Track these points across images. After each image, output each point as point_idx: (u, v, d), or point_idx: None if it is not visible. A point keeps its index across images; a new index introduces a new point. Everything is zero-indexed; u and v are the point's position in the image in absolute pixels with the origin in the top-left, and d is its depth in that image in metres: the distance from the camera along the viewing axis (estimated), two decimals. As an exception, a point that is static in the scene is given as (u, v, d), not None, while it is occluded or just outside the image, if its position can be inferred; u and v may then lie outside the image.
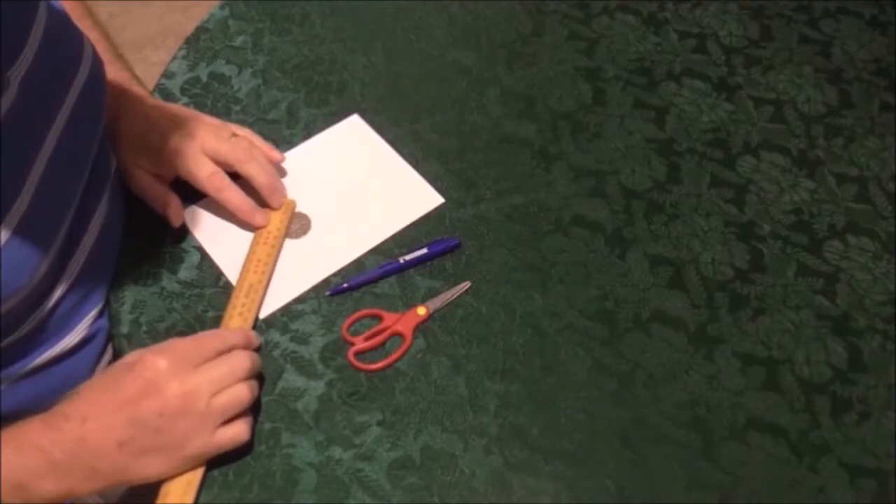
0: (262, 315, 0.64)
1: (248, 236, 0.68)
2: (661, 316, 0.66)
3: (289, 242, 0.68)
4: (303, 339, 0.63)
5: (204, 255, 0.67)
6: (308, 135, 0.75)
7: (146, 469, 0.53)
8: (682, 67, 0.82)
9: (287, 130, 0.75)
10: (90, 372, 0.66)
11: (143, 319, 0.64)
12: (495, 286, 0.67)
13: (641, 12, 0.87)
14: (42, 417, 0.52)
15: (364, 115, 0.77)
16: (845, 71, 0.83)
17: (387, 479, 0.57)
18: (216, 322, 0.64)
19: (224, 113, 0.76)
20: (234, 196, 0.67)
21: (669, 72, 0.82)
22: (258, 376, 0.59)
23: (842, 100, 0.81)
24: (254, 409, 0.57)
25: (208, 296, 0.65)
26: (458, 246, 0.68)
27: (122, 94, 0.68)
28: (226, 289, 0.65)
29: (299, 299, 0.65)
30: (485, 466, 0.58)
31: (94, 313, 0.64)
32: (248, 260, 0.66)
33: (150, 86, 0.77)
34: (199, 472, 0.55)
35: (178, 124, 0.66)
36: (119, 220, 0.68)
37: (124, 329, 0.63)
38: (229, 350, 0.57)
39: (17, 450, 0.51)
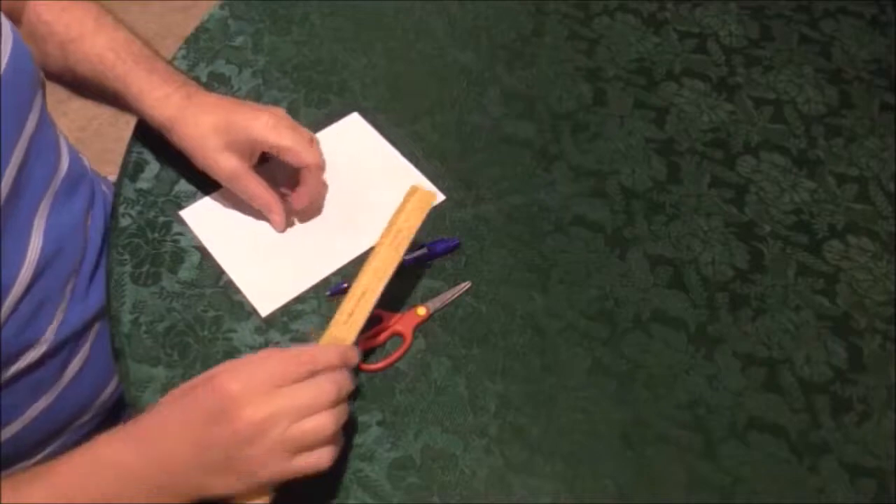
0: (263, 315, 0.64)
1: (248, 236, 0.68)
2: (662, 316, 0.66)
3: (289, 242, 0.68)
4: (303, 339, 0.63)
5: (204, 255, 0.67)
6: (308, 135, 0.75)
7: (220, 488, 0.51)
8: (682, 67, 0.83)
9: (287, 130, 0.75)
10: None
11: (142, 319, 0.64)
12: (495, 286, 0.67)
13: (641, 12, 0.87)
14: (118, 436, 0.52)
15: (364, 115, 0.77)
16: (845, 71, 0.83)
17: (387, 479, 0.57)
18: (216, 322, 0.64)
19: (224, 113, 0.76)
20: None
21: (669, 72, 0.82)
22: (352, 396, 0.55)
23: (842, 100, 0.81)
24: (344, 430, 0.53)
25: (208, 296, 0.65)
26: (458, 246, 0.68)
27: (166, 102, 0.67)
28: (226, 288, 0.65)
29: (299, 299, 0.65)
30: (485, 466, 0.58)
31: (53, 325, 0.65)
32: (371, 259, 0.60)
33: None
34: (269, 498, 0.52)
35: (239, 109, 0.66)
36: (82, 244, 0.69)
37: (124, 329, 0.63)
38: (322, 370, 0.52)
39: (93, 469, 0.50)
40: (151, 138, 0.74)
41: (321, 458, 0.51)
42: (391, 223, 0.61)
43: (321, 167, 0.67)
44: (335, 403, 0.51)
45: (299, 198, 0.68)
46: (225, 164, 0.65)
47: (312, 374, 0.51)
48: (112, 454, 0.51)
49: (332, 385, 0.51)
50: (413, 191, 0.63)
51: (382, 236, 0.61)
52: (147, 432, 0.51)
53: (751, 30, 0.86)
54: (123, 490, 0.50)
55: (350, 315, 0.57)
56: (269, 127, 0.65)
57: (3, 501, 0.50)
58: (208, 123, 0.65)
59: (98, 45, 0.68)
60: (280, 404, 0.49)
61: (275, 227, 0.68)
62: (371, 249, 0.60)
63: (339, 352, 0.54)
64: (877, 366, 0.64)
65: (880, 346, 0.65)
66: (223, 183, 0.67)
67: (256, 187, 0.67)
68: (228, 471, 0.50)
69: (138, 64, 0.68)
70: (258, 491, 0.51)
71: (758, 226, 0.71)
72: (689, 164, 0.75)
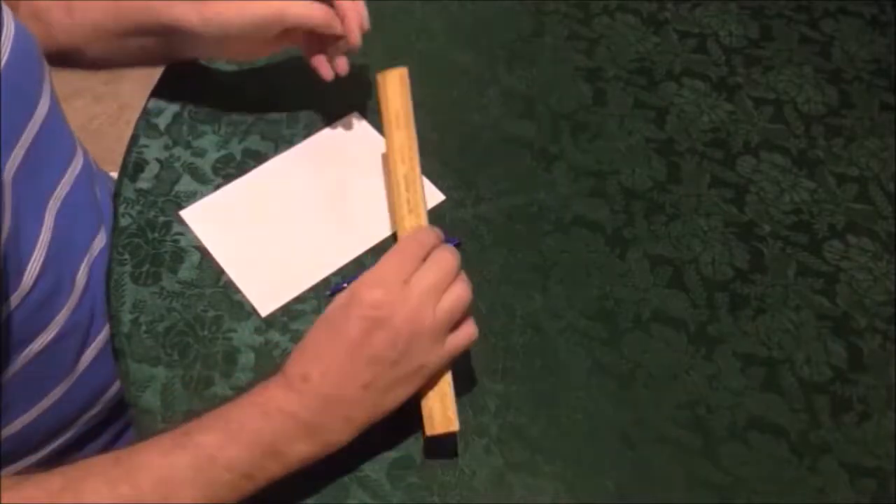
0: (263, 314, 0.64)
1: (248, 236, 0.68)
2: (662, 316, 0.66)
3: (289, 242, 0.68)
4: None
5: (204, 255, 0.67)
6: (308, 135, 0.75)
7: (395, 400, 0.53)
8: (682, 67, 0.83)
9: (287, 130, 0.75)
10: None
11: (142, 319, 0.64)
12: (495, 286, 0.67)
13: (641, 12, 0.87)
14: (280, 382, 0.52)
15: (364, 115, 0.77)
16: (845, 71, 0.83)
17: (387, 479, 0.57)
18: (216, 322, 0.64)
19: (224, 111, 0.76)
20: None
21: (669, 72, 0.82)
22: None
23: (842, 100, 0.81)
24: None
25: (208, 296, 0.65)
26: (458, 246, 0.68)
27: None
28: (226, 288, 0.65)
29: (299, 299, 0.65)
30: (485, 466, 0.58)
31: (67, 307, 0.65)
32: (390, 151, 0.62)
33: (151, 83, 0.77)
34: (449, 379, 0.55)
35: None
36: (89, 226, 0.69)
37: (124, 329, 0.63)
38: (430, 249, 0.55)
39: (264, 417, 0.51)
40: (155, 122, 0.74)
41: (469, 330, 0.55)
42: (386, 115, 0.63)
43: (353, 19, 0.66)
44: (457, 271, 0.54)
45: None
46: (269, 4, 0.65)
47: (423, 259, 0.54)
48: (282, 403, 0.51)
49: (448, 256, 0.54)
50: (383, 78, 0.65)
51: (385, 127, 0.63)
52: (311, 373, 0.51)
53: (751, 30, 0.86)
54: (300, 435, 0.51)
55: (408, 203, 0.60)
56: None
57: (175, 445, 0.50)
58: None
59: None
60: (418, 292, 0.52)
61: (352, 31, 0.67)
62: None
63: (431, 230, 0.56)
64: (877, 366, 0.64)
65: (880, 346, 0.65)
66: (271, 19, 0.65)
67: (310, 5, 0.65)
68: (399, 378, 0.52)
69: None
70: (434, 387, 0.54)
71: (758, 226, 0.71)
72: (689, 164, 0.75)
